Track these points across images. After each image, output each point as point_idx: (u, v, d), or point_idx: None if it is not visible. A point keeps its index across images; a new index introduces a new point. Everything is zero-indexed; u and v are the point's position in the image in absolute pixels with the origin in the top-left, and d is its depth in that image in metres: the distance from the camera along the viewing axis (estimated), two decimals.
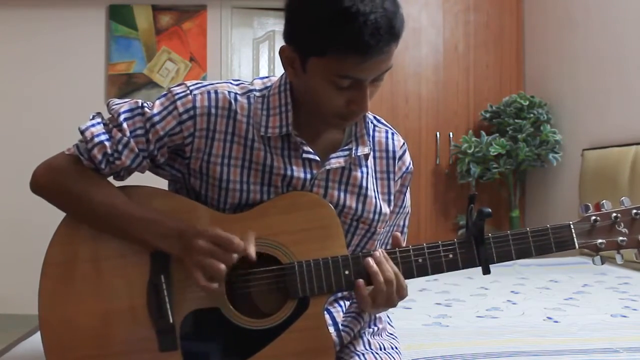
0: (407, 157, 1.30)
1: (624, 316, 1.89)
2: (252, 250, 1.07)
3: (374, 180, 1.24)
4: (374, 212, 1.22)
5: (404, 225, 1.34)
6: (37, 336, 1.44)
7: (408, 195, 1.32)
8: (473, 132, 4.04)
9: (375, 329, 1.29)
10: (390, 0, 1.04)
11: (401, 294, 1.11)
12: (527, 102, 3.93)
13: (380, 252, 1.11)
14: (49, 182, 1.16)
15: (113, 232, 1.14)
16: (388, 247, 1.31)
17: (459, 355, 1.45)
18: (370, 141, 1.23)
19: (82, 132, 1.15)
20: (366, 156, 1.23)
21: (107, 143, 1.13)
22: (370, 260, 1.10)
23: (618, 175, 3.11)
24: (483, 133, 3.98)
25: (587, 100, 3.68)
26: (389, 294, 1.09)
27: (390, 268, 1.10)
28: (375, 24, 1.01)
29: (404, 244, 1.16)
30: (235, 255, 1.06)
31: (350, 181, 1.21)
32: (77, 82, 4.54)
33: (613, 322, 1.82)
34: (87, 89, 4.53)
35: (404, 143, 1.31)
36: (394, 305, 1.12)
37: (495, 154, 3.85)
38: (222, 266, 1.05)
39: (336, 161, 1.18)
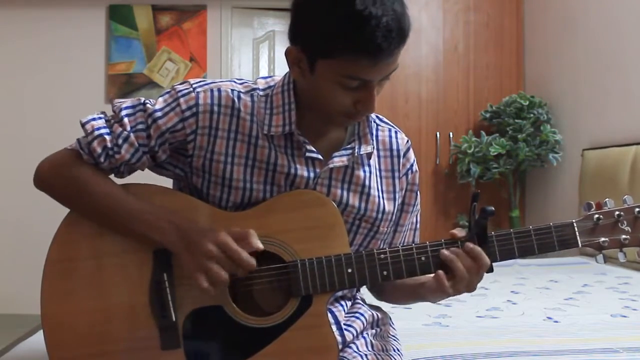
0: (411, 154, 1.30)
1: (624, 316, 1.89)
2: (259, 244, 1.08)
3: (378, 179, 1.24)
4: (377, 211, 1.22)
5: (416, 222, 1.35)
6: (38, 336, 1.45)
7: (419, 193, 1.33)
8: (473, 132, 4.04)
9: (378, 330, 1.29)
10: (398, 2, 1.04)
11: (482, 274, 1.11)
12: (527, 102, 3.93)
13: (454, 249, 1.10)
14: (50, 177, 1.16)
15: (113, 227, 1.13)
16: (393, 245, 1.31)
17: (459, 355, 1.44)
18: (373, 140, 1.23)
19: (83, 125, 1.15)
20: (369, 155, 1.23)
21: (107, 137, 1.13)
22: (446, 252, 1.10)
23: (618, 175, 3.11)
24: (483, 133, 3.98)
25: (587, 100, 3.68)
26: (471, 281, 1.10)
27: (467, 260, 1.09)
28: (387, 27, 1.01)
29: (416, 240, 1.15)
30: (242, 271, 1.07)
31: (353, 180, 1.21)
32: (77, 82, 4.54)
33: (613, 322, 1.82)
34: (87, 89, 4.53)
35: (407, 140, 1.31)
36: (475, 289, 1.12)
37: (495, 154, 3.85)
38: (227, 276, 1.06)
39: (339, 160, 1.18)
